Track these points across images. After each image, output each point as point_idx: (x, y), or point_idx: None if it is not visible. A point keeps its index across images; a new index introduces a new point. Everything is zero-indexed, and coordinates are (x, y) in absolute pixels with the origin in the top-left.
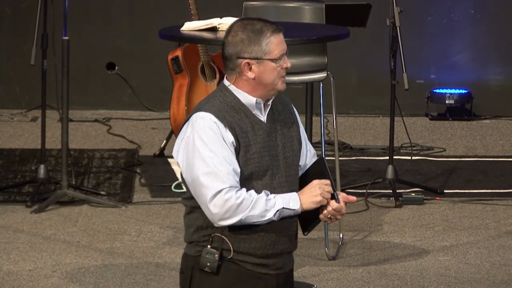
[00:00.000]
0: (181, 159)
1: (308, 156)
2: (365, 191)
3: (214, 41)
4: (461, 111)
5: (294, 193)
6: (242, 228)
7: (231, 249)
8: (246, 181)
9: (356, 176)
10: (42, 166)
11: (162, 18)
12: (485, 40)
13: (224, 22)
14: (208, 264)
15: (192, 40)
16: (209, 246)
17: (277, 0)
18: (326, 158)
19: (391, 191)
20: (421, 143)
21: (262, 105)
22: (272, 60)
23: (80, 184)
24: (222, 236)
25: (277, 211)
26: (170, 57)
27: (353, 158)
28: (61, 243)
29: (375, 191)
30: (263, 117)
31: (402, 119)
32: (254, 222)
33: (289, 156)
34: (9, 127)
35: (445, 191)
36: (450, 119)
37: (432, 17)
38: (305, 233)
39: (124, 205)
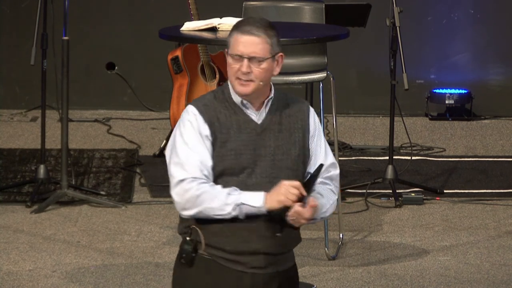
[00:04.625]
0: (167, 150)
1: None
2: (365, 191)
3: (214, 41)
4: (461, 111)
5: (262, 192)
6: (214, 222)
7: (203, 242)
8: (220, 176)
9: (356, 176)
10: (42, 166)
11: (162, 18)
12: (485, 40)
13: (224, 22)
14: (184, 255)
15: (192, 40)
16: (188, 238)
17: (277, 0)
18: None
19: (391, 191)
20: (421, 143)
21: (251, 104)
22: (229, 55)
23: (80, 184)
24: (197, 228)
25: (237, 205)
26: (170, 57)
27: (353, 158)
28: (61, 243)
29: (375, 191)
30: (256, 116)
31: (402, 119)
32: (216, 215)
33: (281, 159)
34: (9, 127)
35: (445, 191)
36: (450, 119)
37: (432, 17)
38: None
39: (124, 205)
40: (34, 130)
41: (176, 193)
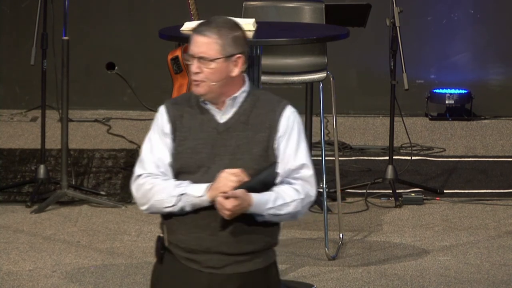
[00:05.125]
0: None
1: (289, 170)
2: (365, 191)
3: None
4: (461, 111)
5: (207, 184)
6: (173, 218)
7: (166, 239)
8: (178, 173)
9: (356, 176)
10: (42, 166)
11: (162, 18)
12: (485, 40)
13: None
14: (155, 252)
15: None
16: (160, 235)
17: (277, 0)
18: (326, 158)
19: (391, 191)
20: (421, 143)
21: (212, 104)
22: (187, 54)
23: (80, 184)
24: (164, 225)
25: (180, 195)
26: (170, 57)
27: (353, 158)
28: (61, 243)
29: (375, 191)
30: (220, 116)
31: (402, 119)
32: (165, 207)
33: (241, 158)
34: (9, 127)
35: (445, 191)
36: (450, 119)
37: (432, 17)
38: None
39: (124, 205)
40: (34, 130)
41: (134, 189)
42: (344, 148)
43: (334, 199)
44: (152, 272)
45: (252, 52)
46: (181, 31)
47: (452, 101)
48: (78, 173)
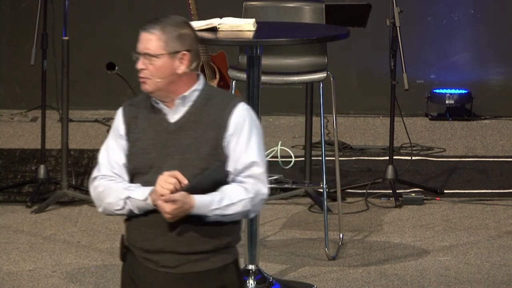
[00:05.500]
0: None
1: (239, 169)
2: (365, 191)
3: (214, 41)
4: (461, 111)
5: (152, 187)
6: (130, 219)
7: (126, 238)
8: (133, 175)
9: (356, 176)
10: (42, 166)
11: None
12: (485, 40)
13: (224, 22)
14: (119, 251)
15: None
16: (123, 234)
17: (277, 0)
18: (326, 158)
19: (391, 191)
20: (421, 143)
21: (163, 103)
22: (134, 52)
23: (80, 184)
24: (125, 224)
25: (126, 199)
26: None
27: (353, 158)
28: (61, 243)
29: (375, 191)
30: (171, 115)
31: (402, 119)
32: (115, 210)
33: (189, 157)
34: (9, 127)
35: (445, 191)
36: (450, 119)
37: (432, 17)
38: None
39: None
40: (34, 130)
41: (90, 190)
42: (344, 148)
43: (334, 199)
44: (121, 271)
45: (252, 52)
46: None
47: (452, 101)
48: (78, 173)
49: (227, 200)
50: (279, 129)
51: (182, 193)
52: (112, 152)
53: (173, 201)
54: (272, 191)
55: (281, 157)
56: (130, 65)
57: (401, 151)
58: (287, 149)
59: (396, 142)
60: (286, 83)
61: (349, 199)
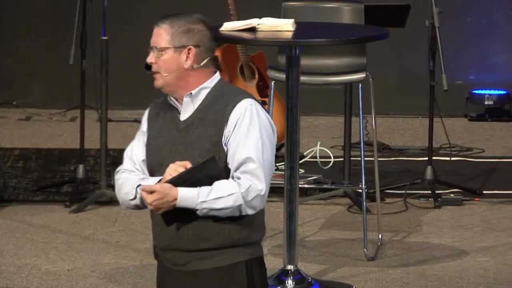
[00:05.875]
0: None
1: (235, 165)
2: (404, 191)
3: (253, 41)
4: (500, 112)
5: (160, 177)
6: (152, 218)
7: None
8: (150, 171)
9: (395, 177)
10: (81, 166)
11: None
12: None
13: (263, 23)
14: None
15: (230, 40)
16: None
17: (316, 0)
18: (365, 158)
19: (430, 191)
20: (460, 144)
21: (175, 100)
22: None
23: None
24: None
25: (137, 186)
26: None
27: (392, 158)
28: (99, 243)
29: (414, 191)
30: (182, 113)
31: (441, 120)
32: (129, 200)
33: (192, 154)
34: (48, 127)
35: (484, 192)
36: (489, 120)
37: (471, 17)
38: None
39: None
40: (73, 130)
41: (114, 185)
42: (384, 148)
43: (373, 199)
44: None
45: (291, 53)
46: (220, 31)
47: (491, 102)
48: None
49: (215, 193)
50: (318, 130)
51: (164, 184)
52: (135, 148)
53: (152, 192)
54: (311, 192)
55: (320, 157)
56: None
57: (440, 151)
58: (326, 149)
59: (435, 143)
60: (325, 83)
61: (388, 200)
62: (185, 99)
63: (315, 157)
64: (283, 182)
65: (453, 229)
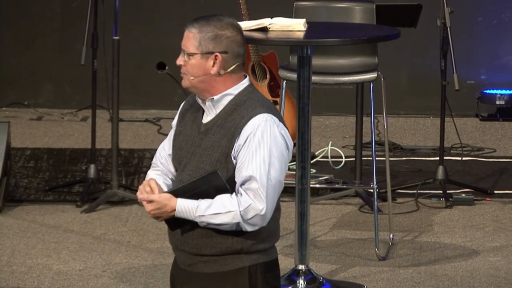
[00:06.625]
0: None
1: (239, 180)
2: (415, 191)
3: (265, 41)
4: None
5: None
6: None
7: None
8: (174, 167)
9: (406, 177)
10: (92, 166)
11: None
12: None
13: (275, 22)
14: None
15: None
16: None
17: (328, 0)
18: (377, 158)
19: (441, 191)
20: (471, 143)
21: (202, 101)
22: None
23: (130, 184)
24: None
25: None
26: None
27: (404, 158)
28: (111, 243)
29: (425, 191)
30: (205, 116)
31: (453, 120)
32: None
33: (203, 160)
34: (60, 127)
35: (495, 191)
36: (500, 119)
37: (482, 17)
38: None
39: None
40: (85, 130)
41: None
42: (395, 148)
43: (384, 199)
44: None
45: (303, 52)
46: None
47: (502, 102)
48: (128, 173)
49: (214, 208)
50: (330, 129)
51: (164, 194)
52: (166, 141)
53: (151, 201)
54: (323, 191)
55: (332, 157)
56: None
57: (452, 151)
58: (337, 149)
59: (447, 143)
60: (337, 83)
61: (399, 200)
62: (207, 103)
63: (327, 157)
64: (294, 182)
65: (465, 229)
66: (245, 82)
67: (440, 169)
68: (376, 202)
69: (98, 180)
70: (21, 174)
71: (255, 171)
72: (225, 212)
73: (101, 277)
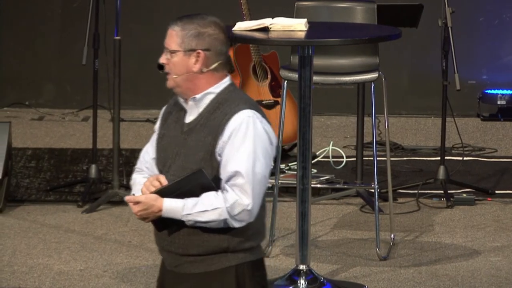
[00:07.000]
0: None
1: (225, 176)
2: (416, 191)
3: (266, 41)
4: None
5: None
6: None
7: None
8: (159, 170)
9: (407, 177)
10: (93, 166)
11: None
12: None
13: (276, 22)
14: None
15: (243, 40)
16: None
17: (329, 0)
18: (378, 158)
19: (442, 191)
20: (472, 143)
21: (183, 103)
22: None
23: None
24: None
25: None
26: None
27: (405, 158)
28: (112, 243)
29: (426, 191)
30: (188, 116)
31: (454, 120)
32: None
33: (188, 160)
34: (61, 127)
35: (496, 191)
36: (501, 119)
37: (484, 17)
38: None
39: None
40: (86, 130)
41: None
42: (396, 148)
43: (385, 199)
44: None
45: (304, 52)
46: (232, 31)
47: (504, 102)
48: (130, 172)
49: (200, 206)
50: (331, 129)
51: (150, 195)
52: (149, 146)
53: (138, 202)
54: (324, 191)
55: (333, 157)
56: None
57: (453, 151)
58: (338, 149)
59: (448, 143)
60: (338, 83)
61: (400, 200)
62: (189, 102)
63: (328, 157)
64: (295, 182)
65: (466, 229)
66: (226, 81)
67: (441, 169)
68: (377, 202)
69: (99, 180)
70: (22, 174)
71: (240, 166)
72: (212, 209)
73: (102, 277)
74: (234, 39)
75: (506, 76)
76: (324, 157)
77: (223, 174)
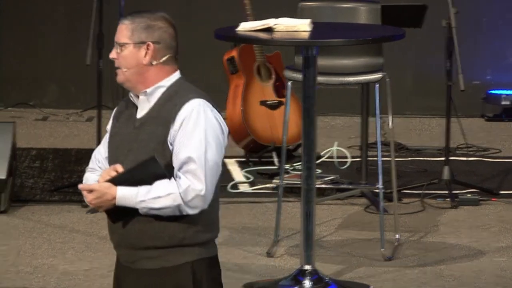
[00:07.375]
0: None
1: (177, 164)
2: (421, 192)
3: (270, 42)
4: None
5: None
6: None
7: None
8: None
9: (412, 177)
10: None
11: (218, 19)
12: None
13: (280, 23)
14: None
15: (247, 40)
16: None
17: (333, 0)
18: (382, 159)
19: (447, 192)
20: (476, 144)
21: (134, 98)
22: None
23: None
24: None
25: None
26: (225, 57)
27: (409, 159)
28: None
29: (431, 192)
30: (139, 111)
31: (458, 120)
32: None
33: (140, 152)
34: (65, 127)
35: (500, 192)
36: (506, 120)
37: (488, 18)
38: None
39: None
40: (90, 130)
41: None
42: (400, 149)
43: (390, 199)
44: None
45: (308, 53)
46: (237, 32)
47: (508, 102)
48: None
49: (154, 192)
50: (335, 130)
51: (103, 183)
52: (101, 146)
53: (90, 190)
54: (328, 192)
55: (337, 157)
56: (185, 65)
57: (457, 152)
58: (343, 149)
59: (452, 143)
60: (342, 83)
61: (405, 200)
62: (140, 97)
63: (332, 157)
64: (300, 182)
65: (470, 229)
66: (176, 75)
67: (446, 170)
68: (382, 203)
69: None
70: (26, 175)
71: (192, 152)
72: (165, 195)
73: (107, 277)
74: (238, 40)
75: (510, 76)
76: (328, 157)
77: (176, 162)
